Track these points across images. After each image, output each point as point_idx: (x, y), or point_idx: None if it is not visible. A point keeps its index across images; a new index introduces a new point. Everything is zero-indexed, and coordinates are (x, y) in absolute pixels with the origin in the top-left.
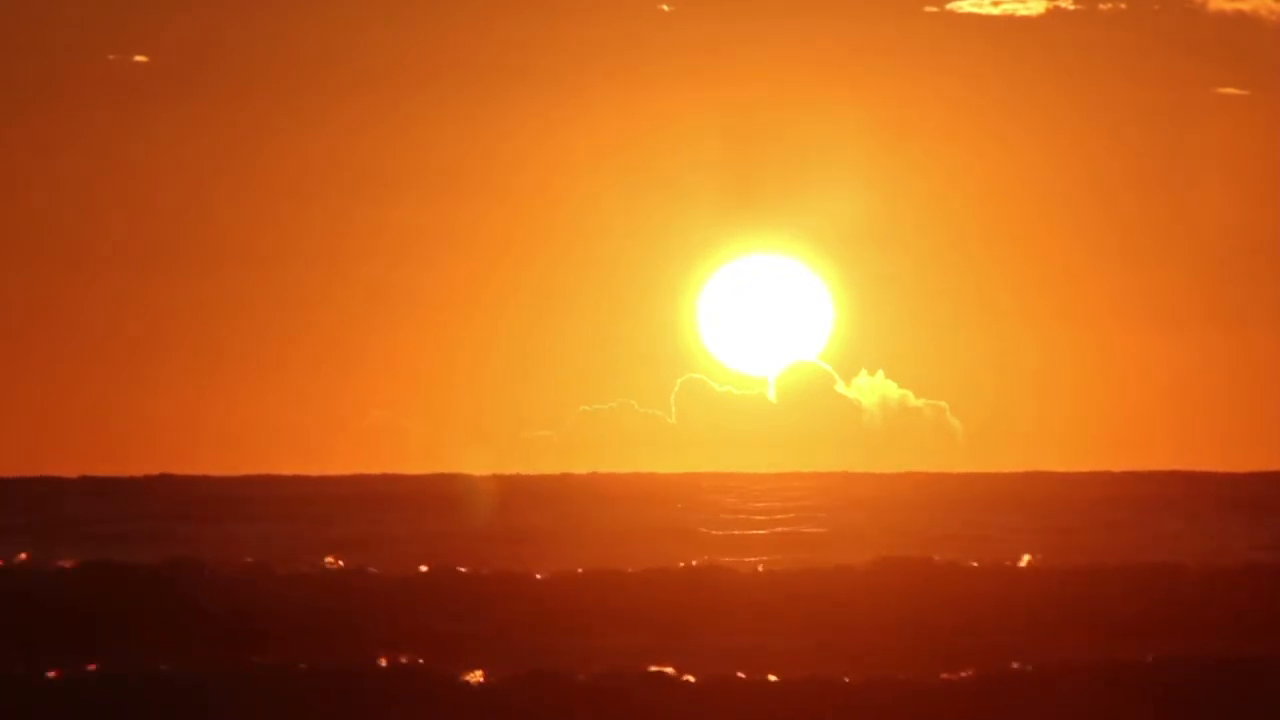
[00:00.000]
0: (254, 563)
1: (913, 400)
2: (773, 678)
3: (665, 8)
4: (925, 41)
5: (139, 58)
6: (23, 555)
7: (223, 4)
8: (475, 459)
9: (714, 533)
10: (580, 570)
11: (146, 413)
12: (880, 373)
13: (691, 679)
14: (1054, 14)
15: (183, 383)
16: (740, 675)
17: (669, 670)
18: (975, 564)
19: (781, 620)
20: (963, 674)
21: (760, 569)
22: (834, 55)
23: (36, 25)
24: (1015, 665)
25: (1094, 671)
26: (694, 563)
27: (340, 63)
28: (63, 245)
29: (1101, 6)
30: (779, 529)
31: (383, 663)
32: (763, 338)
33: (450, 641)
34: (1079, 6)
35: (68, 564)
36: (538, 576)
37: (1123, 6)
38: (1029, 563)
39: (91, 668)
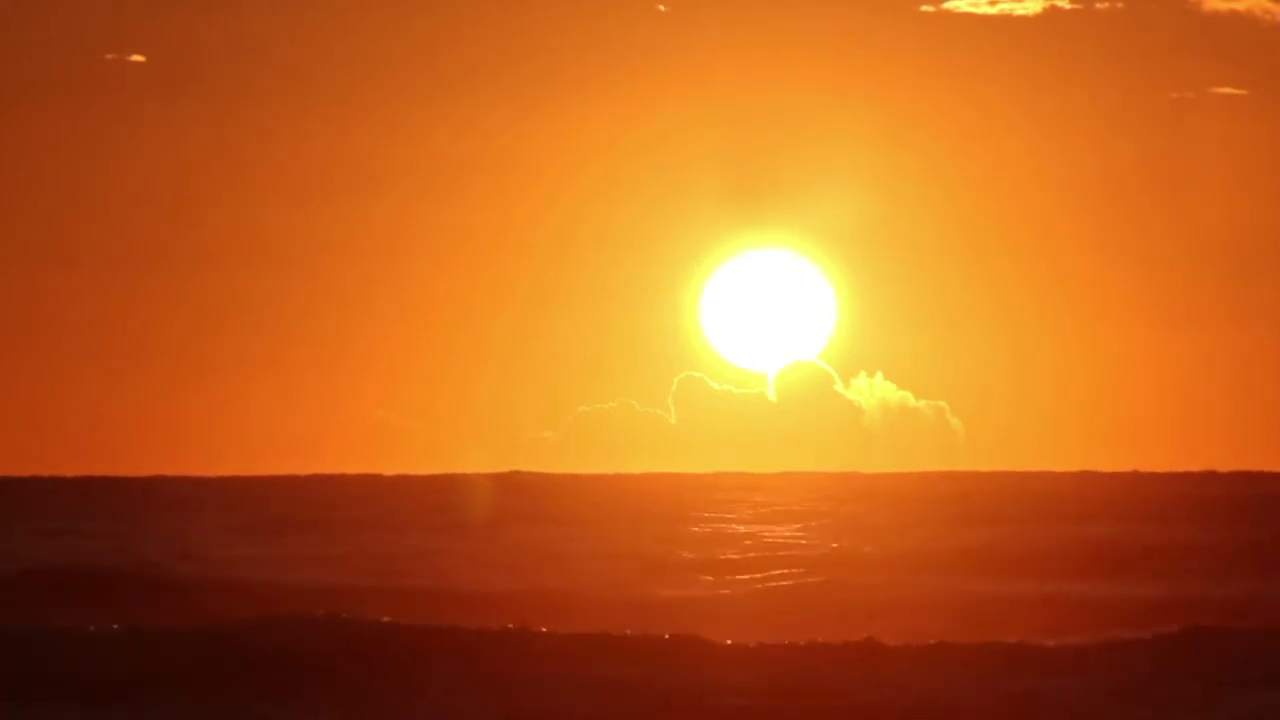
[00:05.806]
0: None
1: (913, 401)
2: None
3: (661, 7)
4: (922, 40)
5: (136, 57)
6: None
7: (220, 4)
8: (475, 458)
9: None
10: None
11: (143, 412)
12: (879, 374)
13: None
14: (1051, 13)
15: (181, 383)
16: None
17: None
18: None
19: None
20: None
21: None
22: (829, 54)
23: (34, 24)
24: None
25: None
26: None
27: (338, 62)
28: (59, 244)
29: (1098, 6)
30: None
31: None
32: (764, 333)
33: None
34: (1075, 6)
35: None
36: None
37: (1119, 6)
38: None
39: None
